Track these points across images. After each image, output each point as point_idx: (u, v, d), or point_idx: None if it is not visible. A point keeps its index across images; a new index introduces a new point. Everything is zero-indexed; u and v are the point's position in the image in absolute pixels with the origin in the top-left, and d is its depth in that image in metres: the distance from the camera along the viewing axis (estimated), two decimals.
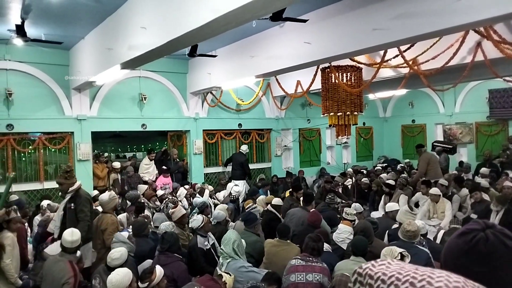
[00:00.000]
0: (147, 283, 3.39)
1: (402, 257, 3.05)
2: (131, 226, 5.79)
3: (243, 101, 10.48)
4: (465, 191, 7.31)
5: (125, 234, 4.76)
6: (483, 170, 9.15)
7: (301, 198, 6.30)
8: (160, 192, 7.65)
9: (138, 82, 9.26)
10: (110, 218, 4.96)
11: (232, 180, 9.69)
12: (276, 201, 6.40)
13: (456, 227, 5.18)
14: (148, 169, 9.02)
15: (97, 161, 8.81)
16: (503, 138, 11.43)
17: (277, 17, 5.03)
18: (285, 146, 11.96)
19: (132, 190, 7.46)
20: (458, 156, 12.42)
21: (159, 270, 3.48)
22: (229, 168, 10.46)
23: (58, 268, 3.69)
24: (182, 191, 7.77)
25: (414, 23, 4.78)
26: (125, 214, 6.26)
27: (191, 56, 7.31)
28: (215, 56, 7.99)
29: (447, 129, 12.91)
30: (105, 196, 5.15)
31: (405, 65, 6.76)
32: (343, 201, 8.09)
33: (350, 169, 11.22)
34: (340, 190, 8.85)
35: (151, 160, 9.12)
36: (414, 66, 6.84)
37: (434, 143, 11.18)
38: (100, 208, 5.53)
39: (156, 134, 12.08)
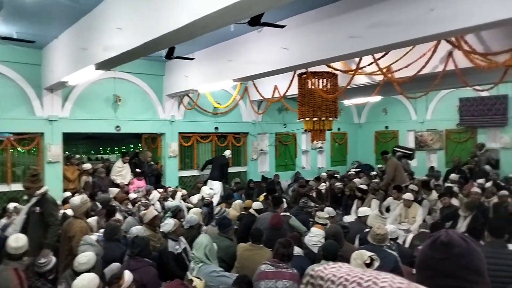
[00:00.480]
0: None
1: (372, 261, 3.09)
2: (101, 230, 5.68)
3: (220, 105, 10.46)
4: (434, 196, 7.51)
5: (93, 237, 4.63)
6: (453, 176, 9.43)
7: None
8: (132, 196, 7.51)
9: (113, 83, 9.09)
10: (80, 225, 4.75)
11: (209, 180, 9.74)
12: (257, 205, 6.43)
13: (425, 231, 5.30)
14: (120, 172, 8.85)
15: (68, 163, 8.58)
16: (471, 145, 11.82)
17: (255, 22, 5.05)
18: (261, 150, 12.00)
19: (103, 193, 7.29)
20: (428, 162, 12.79)
21: (127, 275, 3.40)
22: (206, 172, 10.42)
23: (2, 277, 3.53)
24: (155, 195, 7.66)
25: (389, 32, 4.90)
26: (95, 217, 6.10)
27: (168, 58, 7.26)
28: (192, 59, 7.94)
29: (419, 135, 13.25)
30: (76, 200, 4.97)
31: (379, 72, 6.90)
32: (317, 205, 8.18)
33: (324, 174, 11.34)
34: (314, 194, 8.94)
35: (125, 163, 8.95)
36: (388, 73, 6.99)
37: (395, 148, 11.52)
38: (69, 212, 5.36)
39: (130, 136, 11.90)
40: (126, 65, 7.59)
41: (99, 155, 15.21)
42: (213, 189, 9.13)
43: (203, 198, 7.40)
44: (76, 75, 6.62)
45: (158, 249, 4.92)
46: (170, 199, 7.75)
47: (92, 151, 15.76)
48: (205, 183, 9.65)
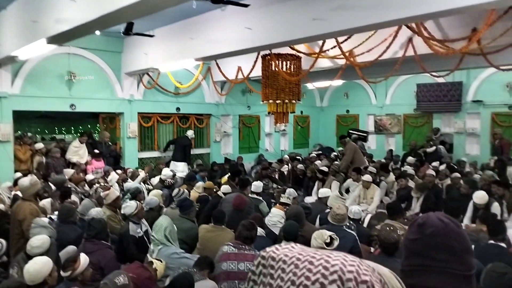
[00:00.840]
0: (70, 271, 3.18)
1: (331, 240, 3.15)
2: (55, 212, 5.46)
3: (181, 84, 10.21)
4: (392, 178, 7.78)
5: (45, 220, 4.43)
6: (409, 159, 9.80)
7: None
8: (89, 177, 7.25)
9: (67, 59, 8.62)
10: (29, 207, 4.49)
11: (172, 162, 9.62)
12: (226, 188, 6.41)
13: (382, 211, 5.49)
14: (77, 151, 8.49)
15: (20, 143, 8.13)
16: (427, 130, 12.29)
17: None
18: (225, 132, 11.91)
19: (57, 174, 6.99)
20: (387, 145, 13.22)
21: (83, 258, 3.28)
22: (169, 153, 10.25)
23: None
24: (114, 176, 7.42)
25: (352, 16, 4.92)
26: (49, 199, 5.84)
27: (127, 34, 6.95)
28: (152, 36, 7.66)
29: (378, 119, 13.63)
30: (25, 181, 4.69)
31: (341, 56, 6.96)
32: (279, 186, 8.28)
33: (287, 156, 11.47)
34: (276, 176, 9.03)
35: (82, 143, 8.59)
36: (350, 57, 7.07)
37: (350, 131, 11.85)
38: (20, 193, 5.08)
39: (87, 115, 11.39)
40: (81, 40, 7.25)
41: (54, 135, 14.53)
42: (178, 170, 9.06)
43: (162, 180, 7.25)
44: (27, 50, 6.22)
45: (118, 231, 4.81)
46: (129, 180, 7.55)
47: (46, 131, 15.02)
48: (167, 165, 9.51)
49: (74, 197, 6.17)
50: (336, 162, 9.26)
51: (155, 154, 10.44)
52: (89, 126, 13.79)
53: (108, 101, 9.32)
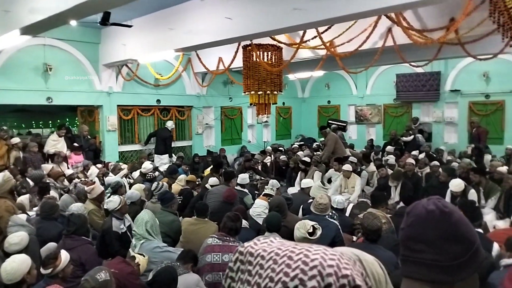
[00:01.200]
0: (51, 269, 3.11)
1: (314, 230, 3.17)
2: (34, 209, 5.33)
3: (162, 76, 10.05)
4: (372, 167, 7.89)
5: (22, 217, 4.31)
6: (389, 148, 9.96)
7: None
8: (68, 172, 7.09)
9: (42, 50, 8.37)
10: (5, 204, 4.36)
11: (155, 155, 9.54)
12: (213, 181, 6.36)
13: (364, 200, 5.56)
14: (55, 145, 8.28)
15: None
16: (407, 119, 12.49)
17: None
18: (207, 124, 11.82)
19: (35, 170, 6.81)
20: (367, 135, 13.39)
21: (64, 255, 3.21)
22: (151, 146, 10.15)
23: None
24: (94, 170, 7.29)
25: (331, 5, 4.92)
26: (27, 195, 5.70)
27: (103, 24, 6.76)
28: (130, 26, 7.49)
29: (359, 110, 13.77)
30: None
31: (322, 46, 6.96)
32: (262, 178, 8.28)
33: (269, 147, 11.48)
34: (259, 168, 9.04)
35: (60, 136, 8.38)
36: (331, 48, 7.08)
37: (329, 121, 11.99)
38: None
39: (65, 109, 11.11)
40: (57, 31, 7.05)
41: (31, 129, 14.15)
42: (163, 163, 9.10)
43: (143, 174, 7.16)
44: None
45: (100, 226, 4.73)
46: (110, 174, 7.42)
47: (23, 125, 14.62)
48: (149, 156, 9.42)
49: (53, 193, 6.04)
50: (317, 153, 9.32)
51: (135, 147, 10.30)
52: (67, 119, 13.47)
53: (86, 94, 9.11)
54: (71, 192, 6.12)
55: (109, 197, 5.20)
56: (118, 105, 9.69)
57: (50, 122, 14.51)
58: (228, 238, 3.59)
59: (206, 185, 6.36)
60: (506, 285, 2.29)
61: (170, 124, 9.99)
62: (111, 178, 6.86)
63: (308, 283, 0.65)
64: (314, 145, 11.89)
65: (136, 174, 7.75)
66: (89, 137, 9.20)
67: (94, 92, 9.22)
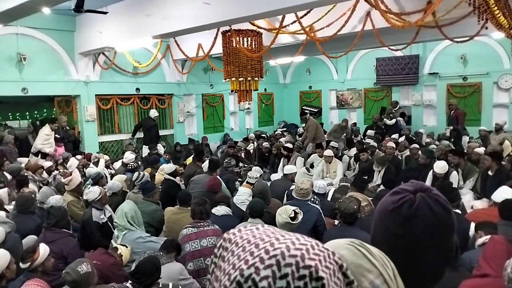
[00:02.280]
0: (29, 263, 3.06)
1: (296, 215, 3.20)
2: (13, 203, 5.22)
3: (140, 64, 9.86)
4: (353, 152, 7.97)
5: (2, 213, 4.22)
6: (369, 132, 10.07)
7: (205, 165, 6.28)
8: (47, 164, 6.95)
9: (15, 40, 8.10)
10: None
11: (143, 146, 9.60)
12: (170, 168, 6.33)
13: (345, 184, 5.63)
14: (49, 140, 8.07)
15: None
16: (387, 103, 12.62)
17: None
18: (188, 112, 11.71)
19: (12, 163, 6.65)
20: (349, 120, 13.48)
21: (43, 248, 3.16)
22: (139, 136, 10.10)
23: None
24: (73, 162, 7.16)
25: None
26: (5, 189, 5.56)
27: (78, 11, 6.54)
28: (106, 13, 7.28)
29: (340, 94, 13.84)
30: None
31: (302, 31, 6.92)
32: (245, 165, 8.30)
33: (252, 134, 11.47)
34: (242, 155, 9.04)
35: (53, 130, 8.17)
36: (310, 32, 7.05)
37: (303, 107, 12.11)
38: None
39: (42, 99, 10.83)
40: (29, 19, 6.84)
41: (7, 121, 13.75)
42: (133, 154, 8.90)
43: (124, 164, 7.07)
44: None
45: (80, 217, 4.67)
46: (92, 165, 7.30)
47: None
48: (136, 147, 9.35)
49: (32, 186, 5.92)
50: (300, 138, 9.37)
51: (116, 137, 10.14)
52: (44, 110, 13.14)
53: (62, 84, 8.88)
54: (50, 185, 6.01)
55: (89, 188, 5.13)
56: (96, 95, 9.50)
57: (27, 113, 14.12)
58: (201, 223, 3.67)
59: (164, 175, 6.29)
60: (482, 263, 2.36)
61: (153, 113, 9.93)
62: (91, 170, 6.76)
63: (262, 272, 0.63)
64: (300, 130, 11.96)
65: (117, 164, 7.66)
66: (67, 128, 9.01)
67: (71, 82, 9.00)
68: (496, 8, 5.04)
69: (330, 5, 6.26)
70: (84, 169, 7.05)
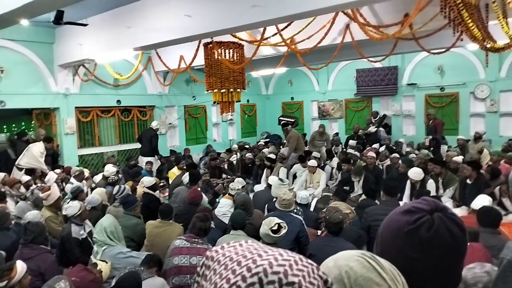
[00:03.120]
0: (6, 281, 2.96)
1: (279, 228, 3.18)
2: None
3: (121, 76, 9.78)
4: (336, 162, 8.04)
5: None
6: (351, 142, 10.18)
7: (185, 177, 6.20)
8: (25, 178, 6.76)
9: None
10: None
11: (140, 157, 9.49)
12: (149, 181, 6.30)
13: (328, 194, 5.66)
14: (43, 157, 7.88)
15: None
16: (367, 113, 12.82)
17: None
18: (170, 123, 11.63)
19: None
20: (331, 130, 13.63)
21: (20, 266, 3.06)
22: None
23: None
24: (52, 176, 6.99)
25: (290, 2, 4.96)
26: None
27: (57, 23, 6.51)
28: (85, 25, 7.23)
29: (321, 105, 14.01)
30: None
31: (283, 43, 7.00)
32: (229, 176, 8.27)
33: (235, 145, 11.46)
34: (225, 166, 9.01)
35: (48, 149, 8.00)
36: (291, 45, 7.14)
37: (280, 118, 12.23)
38: None
39: (19, 112, 10.60)
40: (7, 31, 6.73)
41: None
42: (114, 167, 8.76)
43: (105, 177, 6.94)
44: None
45: (59, 233, 4.56)
46: (73, 179, 7.13)
47: None
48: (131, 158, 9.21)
49: (9, 200, 5.75)
50: (283, 149, 9.41)
51: (96, 150, 9.97)
52: (22, 123, 12.87)
53: (41, 96, 8.72)
54: (28, 199, 5.85)
55: (68, 202, 5.02)
56: (76, 107, 9.35)
57: (4, 126, 13.79)
58: (196, 240, 3.55)
59: (144, 189, 6.22)
60: None
61: (155, 124, 9.93)
62: (71, 184, 6.60)
63: None
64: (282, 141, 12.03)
65: (97, 177, 7.51)
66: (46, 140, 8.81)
67: (50, 94, 8.85)
68: (470, 21, 5.21)
69: (310, 17, 6.35)
70: (64, 183, 6.89)
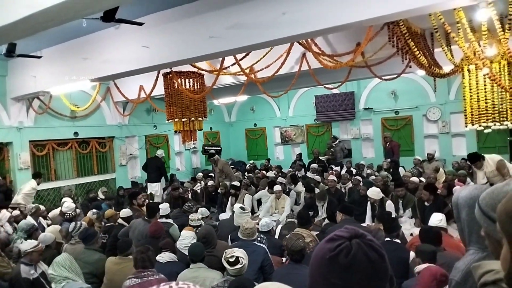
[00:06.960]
0: None
1: (236, 260, 3.11)
2: None
3: (78, 107, 9.53)
4: (300, 187, 8.11)
5: None
6: (313, 166, 10.34)
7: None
8: None
9: None
10: None
11: (148, 184, 9.68)
12: (126, 212, 6.15)
13: (292, 221, 5.65)
14: (33, 194, 7.68)
15: None
16: (327, 138, 13.14)
17: (109, 17, 4.71)
18: (131, 154, 11.38)
19: None
20: (293, 155, 13.85)
21: None
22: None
23: None
24: (5, 214, 6.59)
25: (247, 34, 5.09)
26: None
27: (9, 56, 6.33)
28: (39, 57, 7.05)
29: (283, 131, 14.24)
30: None
31: (242, 72, 7.13)
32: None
33: (200, 174, 11.31)
34: (189, 196, 8.84)
35: (39, 184, 7.86)
36: (251, 74, 7.28)
37: (206, 147, 12.22)
38: None
39: None
40: None
41: None
42: (154, 191, 9.22)
43: (62, 213, 6.63)
44: None
45: (8, 276, 4.27)
46: (29, 217, 6.74)
47: None
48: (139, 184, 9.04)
49: None
50: (250, 174, 9.44)
51: (53, 184, 9.55)
52: None
53: None
54: None
55: (21, 242, 4.74)
56: (30, 141, 8.97)
57: None
58: (145, 272, 3.45)
59: (119, 220, 6.07)
60: None
61: (160, 153, 10.01)
62: (25, 221, 6.24)
63: None
64: (247, 166, 11.99)
65: (54, 212, 7.16)
66: None
67: (3, 128, 8.46)
68: (416, 49, 5.55)
69: (267, 48, 6.53)
70: (15, 222, 6.50)
